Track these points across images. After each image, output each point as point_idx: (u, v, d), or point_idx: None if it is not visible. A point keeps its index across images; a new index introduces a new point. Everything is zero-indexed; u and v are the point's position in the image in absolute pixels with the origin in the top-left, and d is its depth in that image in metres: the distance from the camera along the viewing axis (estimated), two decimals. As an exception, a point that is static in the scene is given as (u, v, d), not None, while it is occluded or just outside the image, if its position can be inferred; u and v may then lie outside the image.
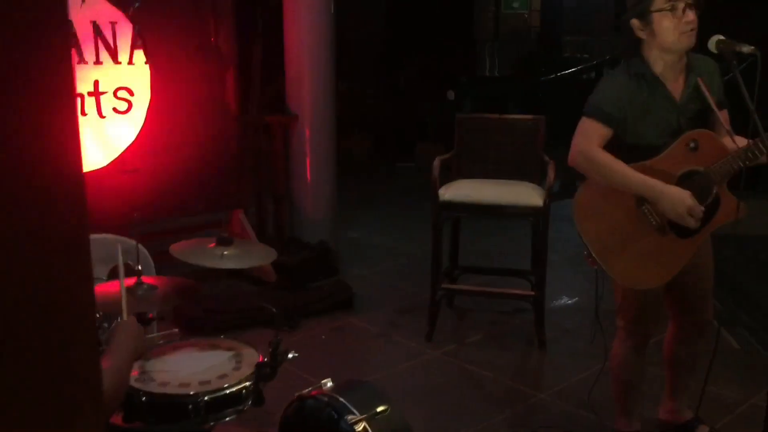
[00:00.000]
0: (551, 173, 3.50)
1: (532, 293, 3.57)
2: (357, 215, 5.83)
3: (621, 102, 2.26)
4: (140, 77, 3.76)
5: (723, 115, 2.26)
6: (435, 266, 3.62)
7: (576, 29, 12.85)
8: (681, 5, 2.16)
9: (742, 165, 2.17)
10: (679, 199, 2.18)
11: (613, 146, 2.28)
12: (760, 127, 2.03)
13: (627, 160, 2.24)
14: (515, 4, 12.56)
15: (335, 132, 5.00)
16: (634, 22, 2.25)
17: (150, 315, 2.04)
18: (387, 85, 9.19)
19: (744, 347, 3.52)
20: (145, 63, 3.76)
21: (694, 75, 2.26)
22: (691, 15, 2.17)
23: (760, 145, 2.12)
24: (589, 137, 2.26)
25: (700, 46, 2.22)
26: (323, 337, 3.71)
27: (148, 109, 3.78)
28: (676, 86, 2.29)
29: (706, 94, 2.20)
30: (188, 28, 3.98)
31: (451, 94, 6.57)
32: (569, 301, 4.20)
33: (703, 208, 2.20)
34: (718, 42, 2.18)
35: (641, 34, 2.25)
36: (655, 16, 2.19)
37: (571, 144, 2.30)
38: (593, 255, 2.33)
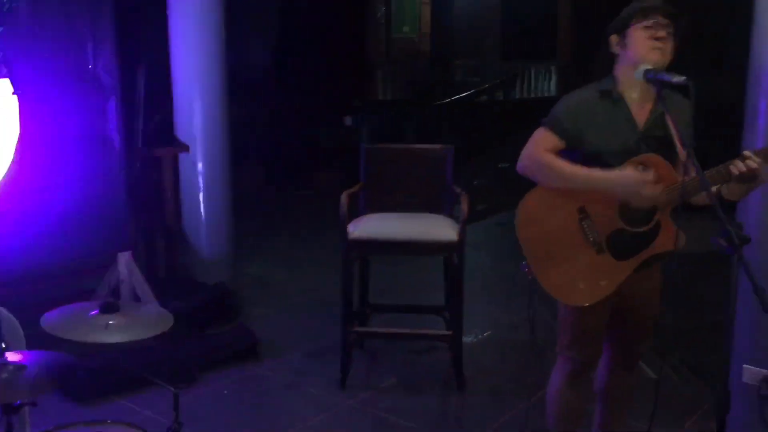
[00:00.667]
0: (465, 205, 3.36)
1: (449, 333, 3.39)
2: (256, 250, 5.50)
3: (577, 116, 2.24)
4: (6, 110, 3.32)
5: (685, 153, 2.18)
6: (345, 308, 3.38)
7: (466, 53, 13.05)
8: (656, 23, 2.17)
9: (683, 197, 2.12)
10: (625, 179, 2.14)
11: (569, 161, 2.24)
12: (695, 161, 1.95)
13: None
14: (405, 28, 12.62)
15: (230, 162, 4.70)
16: (613, 38, 2.26)
17: (19, 403, 1.69)
18: (279, 111, 8.92)
19: (661, 376, 3.48)
20: (12, 94, 3.33)
21: (662, 107, 2.19)
22: (662, 33, 2.16)
23: (697, 182, 2.06)
24: (540, 145, 2.26)
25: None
26: (225, 392, 3.38)
27: (17, 145, 3.35)
28: (641, 111, 2.25)
29: (670, 124, 2.12)
30: (63, 54, 3.58)
31: (348, 120, 6.38)
32: (483, 336, 4.06)
33: (651, 176, 2.14)
34: (646, 71, 2.11)
35: (616, 49, 2.26)
36: (631, 30, 2.20)
37: (522, 151, 2.29)
38: (529, 264, 2.29)
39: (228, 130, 4.63)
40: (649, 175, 2.13)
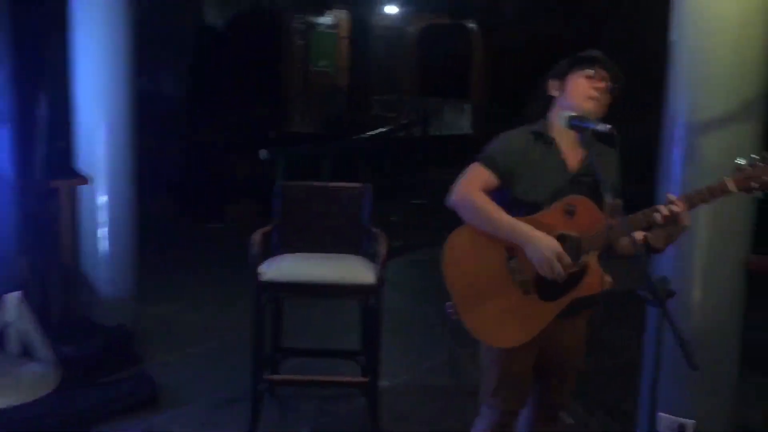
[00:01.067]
0: (383, 247, 3.26)
1: (365, 380, 3.25)
2: (162, 288, 5.20)
3: (511, 154, 2.23)
4: None
5: (613, 203, 2.18)
6: (256, 355, 3.19)
7: (383, 88, 13.13)
8: (598, 74, 2.21)
9: (609, 241, 2.14)
10: (546, 244, 2.11)
11: (500, 201, 2.22)
12: (621, 210, 1.93)
13: (510, 214, 2.20)
14: (323, 62, 12.59)
15: (135, 194, 4.44)
16: (552, 82, 2.28)
17: None
18: (191, 141, 8.65)
19: (578, 421, 3.45)
20: None
21: (593, 154, 2.17)
22: (601, 84, 2.20)
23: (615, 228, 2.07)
24: (472, 180, 2.23)
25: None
26: (122, 447, 3.12)
27: None
28: (573, 156, 2.26)
29: (598, 173, 2.10)
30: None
31: (263, 153, 6.19)
32: (399, 380, 3.93)
33: (569, 260, 2.13)
34: (570, 118, 2.11)
35: (554, 93, 2.28)
36: (572, 76, 2.24)
37: (455, 185, 2.26)
38: (454, 304, 2.24)
39: (134, 161, 4.38)
40: (566, 258, 2.11)
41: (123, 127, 4.30)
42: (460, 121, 13.42)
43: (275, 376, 3.49)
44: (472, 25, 12.63)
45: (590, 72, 2.20)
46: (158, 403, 3.48)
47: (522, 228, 2.15)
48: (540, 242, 2.11)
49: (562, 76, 2.26)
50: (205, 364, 4.04)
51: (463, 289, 2.24)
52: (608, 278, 2.20)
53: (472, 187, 2.22)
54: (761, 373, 3.14)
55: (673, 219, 2.07)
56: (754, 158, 2.02)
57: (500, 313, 2.22)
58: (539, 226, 2.17)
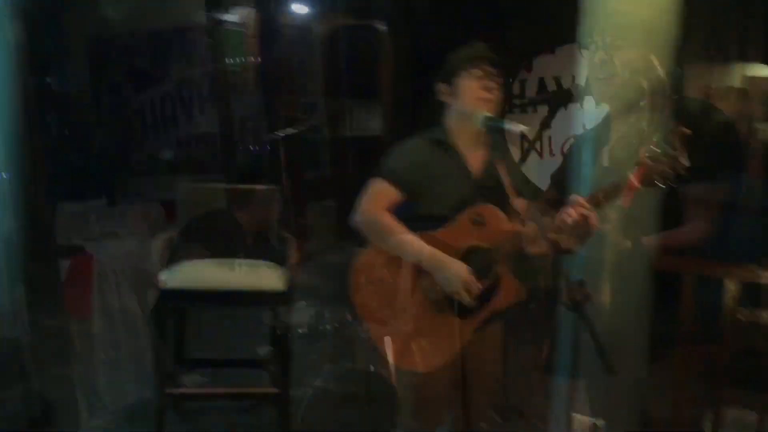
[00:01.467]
0: (293, 251, 3.17)
1: (275, 390, 3.14)
2: (56, 296, 4.88)
3: (414, 167, 2.17)
4: None
5: (519, 202, 2.14)
6: (158, 367, 3.03)
7: (292, 89, 12.96)
8: (484, 73, 2.17)
9: (519, 249, 2.11)
10: (456, 272, 2.08)
11: (405, 215, 2.17)
12: (522, 210, 1.92)
13: (416, 228, 2.13)
14: (229, 60, 12.33)
15: (23, 198, 4.16)
16: (441, 86, 2.22)
17: None
18: (90, 142, 8.27)
19: (493, 427, 3.44)
20: None
21: (494, 154, 2.13)
22: (492, 83, 2.16)
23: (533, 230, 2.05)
24: (376, 199, 2.16)
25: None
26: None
27: None
28: (474, 160, 2.22)
29: (502, 174, 2.07)
30: None
31: (166, 153, 5.97)
32: (313, 388, 3.81)
33: (480, 286, 2.10)
34: (486, 118, 2.07)
35: (446, 98, 2.22)
36: (460, 79, 2.18)
37: (357, 204, 2.18)
38: (367, 329, 2.19)
39: (22, 162, 4.10)
40: (474, 286, 2.09)
41: (8, 127, 4.02)
42: (370, 123, 13.43)
43: (179, 390, 3.33)
44: (381, 26, 12.66)
45: (478, 73, 2.14)
46: (51, 422, 3.27)
47: (431, 254, 2.10)
48: (449, 270, 2.07)
49: (450, 79, 2.20)
50: (103, 378, 3.82)
51: (376, 314, 2.18)
52: (522, 288, 2.17)
53: (377, 206, 2.15)
54: (667, 367, 3.22)
55: (582, 221, 2.05)
56: (654, 150, 2.03)
57: (416, 335, 2.17)
58: (449, 239, 2.12)
